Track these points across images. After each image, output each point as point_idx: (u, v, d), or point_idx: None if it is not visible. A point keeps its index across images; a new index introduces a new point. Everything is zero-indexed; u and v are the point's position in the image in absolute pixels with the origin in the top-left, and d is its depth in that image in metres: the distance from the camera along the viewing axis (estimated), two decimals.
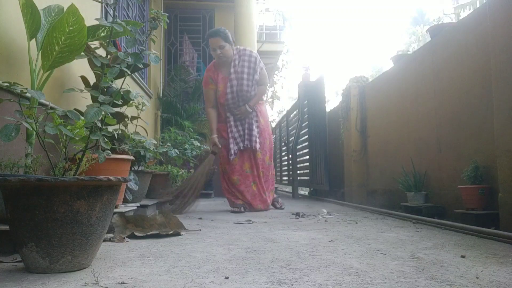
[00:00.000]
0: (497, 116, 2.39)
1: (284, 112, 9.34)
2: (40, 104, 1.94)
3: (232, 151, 3.68)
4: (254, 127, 3.76)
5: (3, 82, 1.64)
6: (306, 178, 6.93)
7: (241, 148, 3.73)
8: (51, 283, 1.16)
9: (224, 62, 3.75)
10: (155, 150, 2.12)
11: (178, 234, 2.13)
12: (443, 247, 1.78)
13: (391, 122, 4.37)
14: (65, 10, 1.79)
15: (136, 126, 3.18)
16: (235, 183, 3.72)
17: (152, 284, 1.14)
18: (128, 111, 2.91)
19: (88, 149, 1.60)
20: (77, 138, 1.62)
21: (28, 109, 1.42)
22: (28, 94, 1.53)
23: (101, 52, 2.86)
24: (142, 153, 2.91)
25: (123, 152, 2.52)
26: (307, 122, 6.67)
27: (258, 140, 3.72)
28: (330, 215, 3.30)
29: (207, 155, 3.77)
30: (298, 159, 7.14)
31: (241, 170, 3.74)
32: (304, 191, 8.22)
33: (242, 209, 3.56)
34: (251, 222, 2.77)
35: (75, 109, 2.33)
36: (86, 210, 1.30)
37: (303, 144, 7.04)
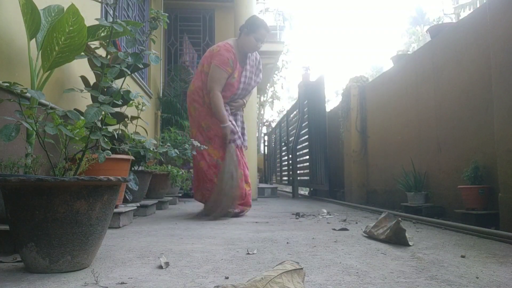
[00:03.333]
0: (497, 116, 2.39)
1: (284, 112, 9.34)
2: (40, 104, 1.93)
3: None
4: (245, 125, 3.54)
5: (3, 82, 1.63)
6: (306, 178, 6.93)
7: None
8: (51, 283, 1.16)
9: (246, 53, 3.41)
10: (155, 150, 2.11)
11: None
12: (443, 247, 1.78)
13: (391, 122, 4.37)
14: (65, 10, 1.79)
15: (136, 126, 3.18)
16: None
17: (152, 284, 1.14)
18: (128, 111, 2.92)
19: (88, 149, 1.60)
20: (77, 138, 1.62)
21: (28, 109, 1.42)
22: (28, 94, 1.53)
23: (101, 52, 2.87)
24: (142, 153, 2.90)
25: (123, 152, 2.52)
26: (307, 122, 6.68)
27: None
28: (330, 215, 3.30)
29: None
30: (298, 159, 7.15)
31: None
32: (304, 191, 8.23)
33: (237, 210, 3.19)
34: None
35: (75, 109, 2.33)
36: (86, 210, 1.30)
37: (303, 144, 7.05)
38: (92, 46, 2.33)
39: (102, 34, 2.22)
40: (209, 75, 3.24)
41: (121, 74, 1.78)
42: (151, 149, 2.16)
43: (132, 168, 3.02)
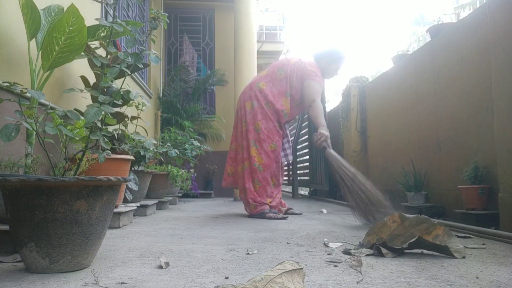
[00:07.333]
0: (497, 116, 2.39)
1: None
2: (40, 104, 1.94)
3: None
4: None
5: (3, 82, 1.63)
6: (306, 178, 6.93)
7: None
8: (51, 283, 1.16)
9: None
10: (155, 150, 2.12)
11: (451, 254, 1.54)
12: None
13: (391, 122, 4.37)
14: (65, 10, 1.79)
15: (136, 126, 3.18)
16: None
17: (152, 284, 1.14)
18: (128, 111, 2.92)
19: (88, 149, 1.60)
20: (77, 138, 1.62)
21: (28, 109, 1.42)
22: (28, 94, 1.53)
23: (101, 52, 2.87)
24: (142, 153, 2.91)
25: (123, 152, 2.52)
26: (307, 122, 6.67)
27: None
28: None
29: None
30: (298, 159, 7.14)
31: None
32: (304, 191, 8.22)
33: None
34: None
35: (75, 109, 2.33)
36: (86, 210, 1.30)
37: (303, 144, 7.04)
38: (92, 46, 2.33)
39: (102, 34, 2.22)
40: (311, 88, 3.43)
41: (121, 74, 1.78)
42: (151, 149, 2.16)
43: (132, 168, 3.02)
